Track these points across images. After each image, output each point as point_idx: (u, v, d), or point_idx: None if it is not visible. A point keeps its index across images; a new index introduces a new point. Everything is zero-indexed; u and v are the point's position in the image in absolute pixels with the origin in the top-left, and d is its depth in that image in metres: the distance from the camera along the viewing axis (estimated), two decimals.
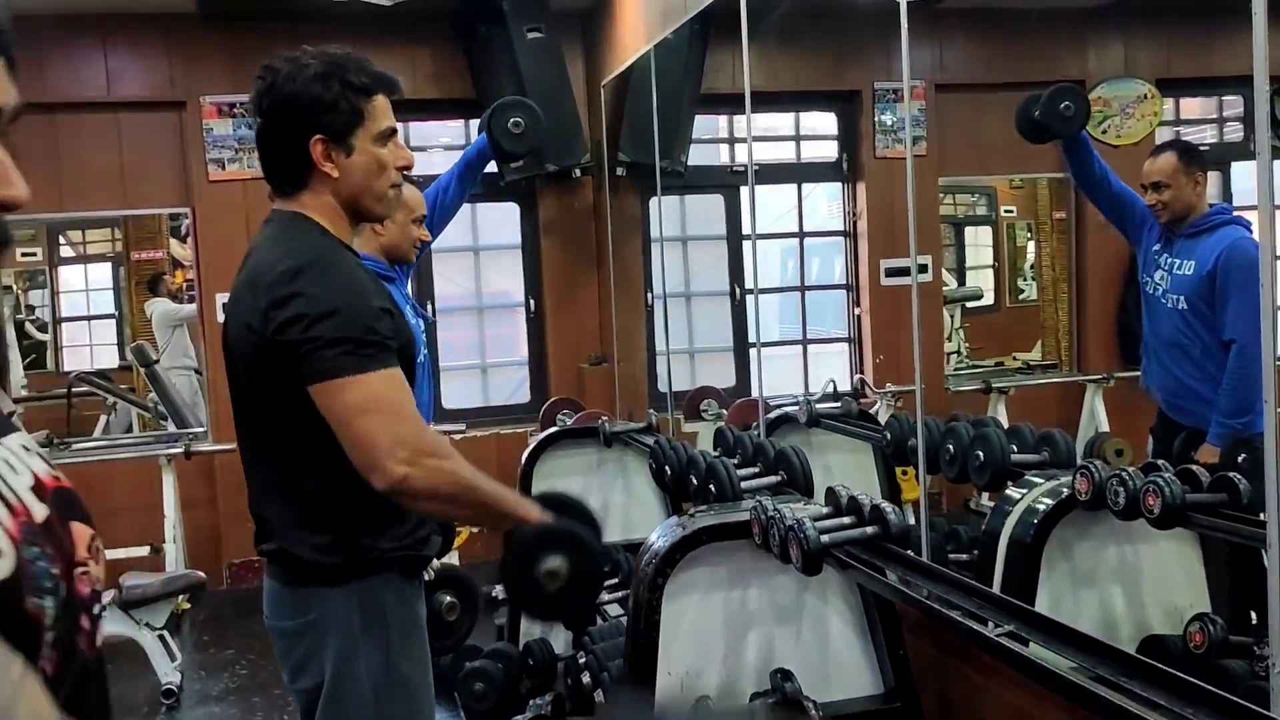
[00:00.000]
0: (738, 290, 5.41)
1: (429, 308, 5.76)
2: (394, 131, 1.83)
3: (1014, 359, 5.00)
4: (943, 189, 5.00)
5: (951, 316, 5.11)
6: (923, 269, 4.67)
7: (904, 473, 3.25)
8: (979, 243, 5.67)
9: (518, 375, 6.01)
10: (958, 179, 5.07)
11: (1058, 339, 4.83)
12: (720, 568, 2.36)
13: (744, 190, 5.31)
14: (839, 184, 5.17)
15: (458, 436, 5.36)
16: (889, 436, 3.04)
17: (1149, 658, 2.19)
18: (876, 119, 4.90)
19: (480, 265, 6.02)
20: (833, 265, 5.36)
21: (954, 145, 4.75)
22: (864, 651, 2.43)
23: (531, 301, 5.89)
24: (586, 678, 2.66)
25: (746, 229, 5.00)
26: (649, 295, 5.29)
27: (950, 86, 4.76)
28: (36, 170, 5.14)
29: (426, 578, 1.89)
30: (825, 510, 2.21)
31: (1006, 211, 5.52)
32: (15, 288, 6.68)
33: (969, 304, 5.32)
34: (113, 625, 3.96)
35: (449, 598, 3.10)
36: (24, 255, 6.79)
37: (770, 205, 5.20)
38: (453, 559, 5.24)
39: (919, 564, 2.21)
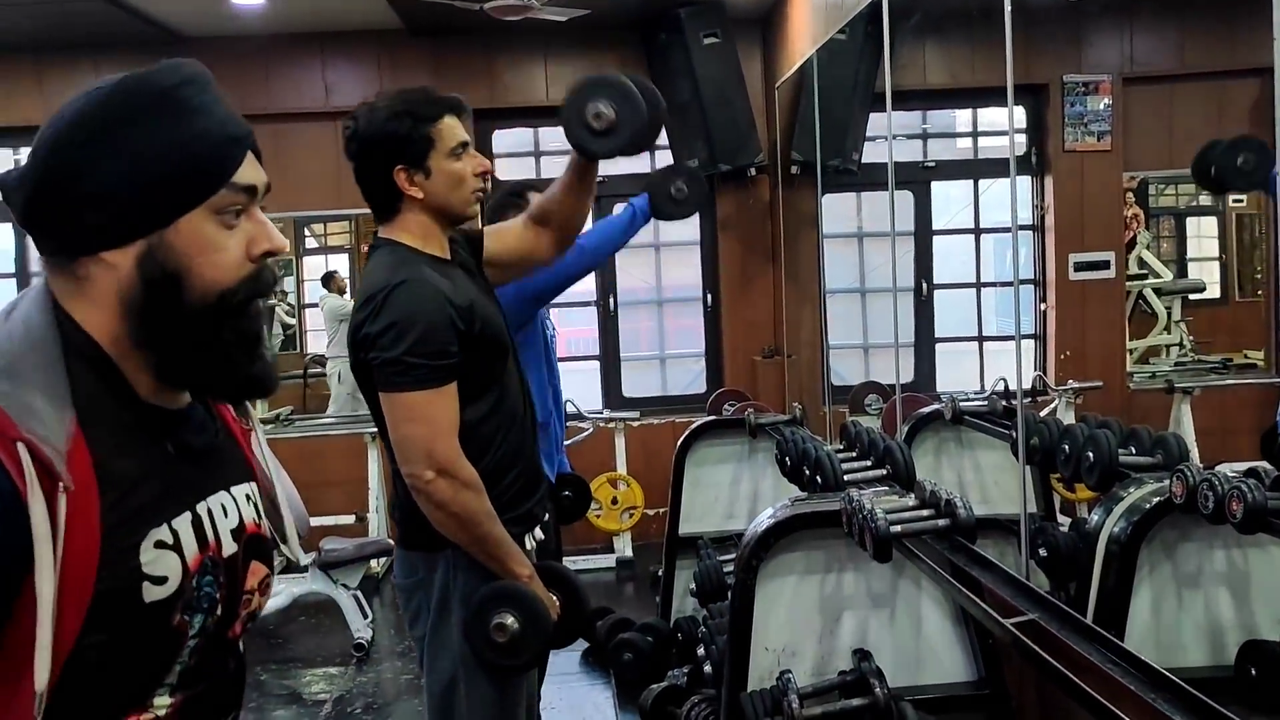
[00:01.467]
0: (922, 285, 5.42)
1: (611, 301, 6.04)
2: (466, 144, 2.07)
3: (1245, 356, 4.82)
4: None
5: (1169, 309, 4.98)
6: (1104, 264, 4.62)
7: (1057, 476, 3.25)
8: (1202, 234, 5.48)
9: (696, 366, 6.20)
10: (1167, 172, 4.93)
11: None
12: (818, 553, 2.50)
13: (932, 186, 5.34)
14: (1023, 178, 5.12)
15: (635, 424, 5.64)
16: (1015, 436, 3.07)
17: (1247, 662, 2.20)
18: (1066, 111, 4.83)
19: (661, 260, 6.25)
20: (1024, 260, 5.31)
21: (1146, 137, 4.65)
22: (957, 639, 2.52)
23: (708, 296, 6.06)
24: (700, 650, 2.85)
25: (903, 226, 5.02)
26: (822, 290, 5.38)
27: (1139, 79, 4.65)
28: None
29: (528, 546, 2.13)
30: (910, 502, 2.31)
31: (1236, 201, 5.31)
32: None
33: (1191, 296, 5.16)
34: (313, 583, 4.43)
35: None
36: None
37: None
38: (624, 542, 5.52)
39: (1004, 572, 2.21)
